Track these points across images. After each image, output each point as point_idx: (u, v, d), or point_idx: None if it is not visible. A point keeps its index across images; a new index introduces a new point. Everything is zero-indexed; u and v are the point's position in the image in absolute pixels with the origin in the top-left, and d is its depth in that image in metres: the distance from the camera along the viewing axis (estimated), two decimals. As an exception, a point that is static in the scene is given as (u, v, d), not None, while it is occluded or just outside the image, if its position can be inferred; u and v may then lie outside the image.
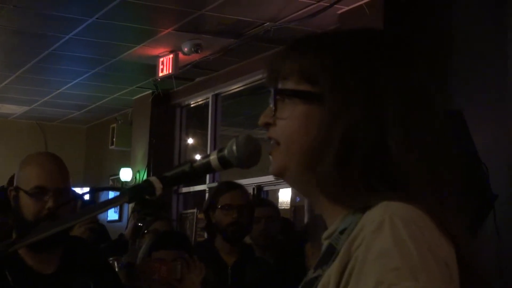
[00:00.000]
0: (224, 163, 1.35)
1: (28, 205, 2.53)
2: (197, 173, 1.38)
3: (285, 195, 10.08)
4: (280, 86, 1.30)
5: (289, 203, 10.22)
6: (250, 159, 1.35)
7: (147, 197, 1.35)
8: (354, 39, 1.30)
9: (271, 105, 1.30)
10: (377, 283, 1.05)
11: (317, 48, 1.29)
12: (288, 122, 1.27)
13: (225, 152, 1.35)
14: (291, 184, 1.33)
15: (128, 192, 1.34)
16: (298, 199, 9.49)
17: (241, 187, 3.99)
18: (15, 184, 2.60)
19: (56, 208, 2.48)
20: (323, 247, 1.25)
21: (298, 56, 1.29)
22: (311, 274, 1.23)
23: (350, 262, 1.12)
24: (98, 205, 1.37)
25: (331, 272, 1.15)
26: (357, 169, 1.19)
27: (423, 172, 1.19)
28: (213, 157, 1.36)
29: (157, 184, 1.36)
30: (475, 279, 1.17)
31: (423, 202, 1.15)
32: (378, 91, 1.22)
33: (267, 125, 1.31)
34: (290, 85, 1.29)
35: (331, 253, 1.19)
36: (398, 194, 1.16)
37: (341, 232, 1.20)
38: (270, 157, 1.32)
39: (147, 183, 1.36)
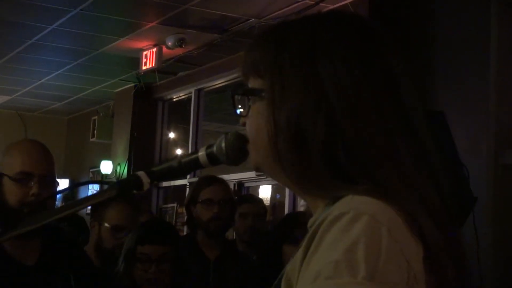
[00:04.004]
0: (213, 159, 1.36)
1: (12, 191, 2.49)
2: (185, 169, 1.38)
3: (265, 192, 10.09)
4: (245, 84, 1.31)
5: (269, 199, 10.24)
6: (239, 156, 1.35)
7: (134, 191, 1.35)
8: (299, 27, 1.26)
9: (242, 105, 1.30)
10: (316, 274, 1.03)
11: (263, 41, 1.28)
12: (249, 120, 1.28)
13: (214, 148, 1.35)
14: (271, 177, 1.31)
15: (117, 186, 1.35)
16: (278, 195, 9.50)
17: (222, 181, 3.96)
18: None
19: (41, 195, 2.46)
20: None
21: (252, 52, 1.29)
22: None
23: (308, 251, 1.10)
24: (85, 199, 1.37)
25: (296, 259, 1.14)
26: (314, 156, 1.16)
27: (383, 161, 1.15)
28: (202, 154, 1.36)
29: (145, 179, 1.36)
30: (445, 279, 1.13)
31: (393, 195, 1.11)
32: (318, 77, 1.18)
33: (244, 125, 1.32)
34: (250, 82, 1.29)
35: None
36: (367, 186, 1.12)
37: None
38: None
39: (135, 177, 1.37)
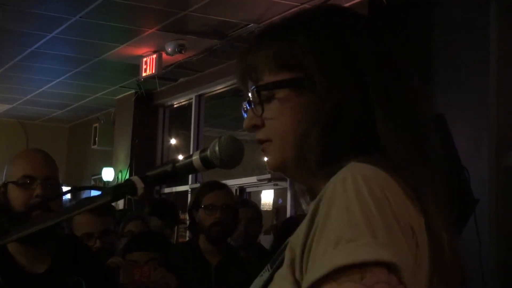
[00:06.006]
0: (207, 163, 1.35)
1: (16, 196, 2.53)
2: (179, 173, 1.37)
3: (267, 197, 10.09)
4: (256, 82, 1.26)
5: (271, 204, 10.24)
6: (233, 160, 1.34)
7: (128, 196, 1.35)
8: (320, 16, 1.27)
9: (257, 105, 1.26)
10: (337, 238, 1.04)
11: (287, 32, 1.25)
12: (278, 119, 1.24)
13: (208, 152, 1.34)
14: (290, 176, 1.30)
15: (111, 191, 1.34)
16: (280, 200, 9.50)
17: (225, 187, 3.95)
18: (3, 181, 2.62)
19: (46, 196, 2.48)
20: None
21: (270, 45, 1.25)
22: None
23: (316, 217, 1.10)
24: (81, 204, 1.37)
25: (301, 228, 1.15)
26: (343, 142, 1.18)
27: (405, 142, 1.18)
28: (196, 158, 1.35)
29: (139, 184, 1.36)
30: (443, 252, 1.15)
31: (397, 168, 1.13)
32: (359, 65, 1.20)
33: (255, 128, 1.28)
34: (268, 78, 1.25)
35: None
36: (370, 157, 1.15)
37: None
38: (265, 155, 1.28)
39: (129, 182, 1.36)
